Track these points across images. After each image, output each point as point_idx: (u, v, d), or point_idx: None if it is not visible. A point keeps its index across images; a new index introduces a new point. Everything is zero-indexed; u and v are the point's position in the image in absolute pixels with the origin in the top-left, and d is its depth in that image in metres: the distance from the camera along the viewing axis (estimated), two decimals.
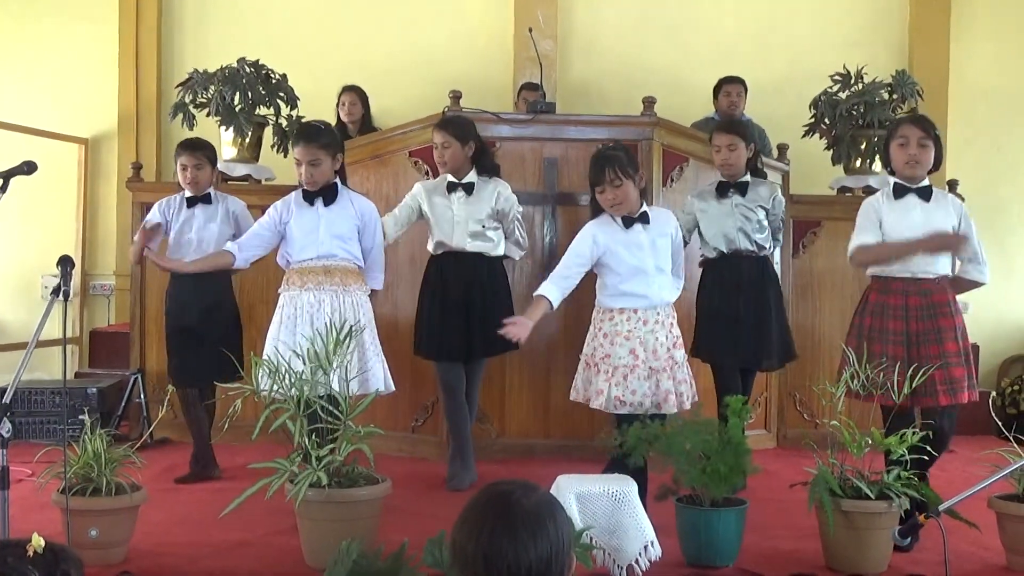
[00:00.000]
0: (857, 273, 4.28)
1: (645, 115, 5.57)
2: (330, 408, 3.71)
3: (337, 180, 4.49)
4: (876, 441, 3.78)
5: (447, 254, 4.87)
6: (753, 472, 3.90)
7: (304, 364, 3.81)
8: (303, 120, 5.96)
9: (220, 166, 6.00)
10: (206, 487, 4.88)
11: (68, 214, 7.44)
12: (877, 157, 6.26)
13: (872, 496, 3.67)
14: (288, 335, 4.29)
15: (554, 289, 4.22)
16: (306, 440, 3.66)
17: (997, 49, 7.29)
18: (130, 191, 6.25)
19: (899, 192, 4.09)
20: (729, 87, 6.74)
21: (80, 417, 4.04)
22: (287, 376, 3.75)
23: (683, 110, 6.53)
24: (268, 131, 6.36)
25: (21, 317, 7.25)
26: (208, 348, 4.81)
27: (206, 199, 5.08)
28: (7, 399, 3.05)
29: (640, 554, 3.50)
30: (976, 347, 5.40)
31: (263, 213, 4.58)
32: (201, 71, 6.23)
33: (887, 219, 4.08)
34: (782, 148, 6.10)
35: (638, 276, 4.18)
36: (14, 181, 3.44)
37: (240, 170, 6.23)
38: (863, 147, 6.28)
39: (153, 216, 5.09)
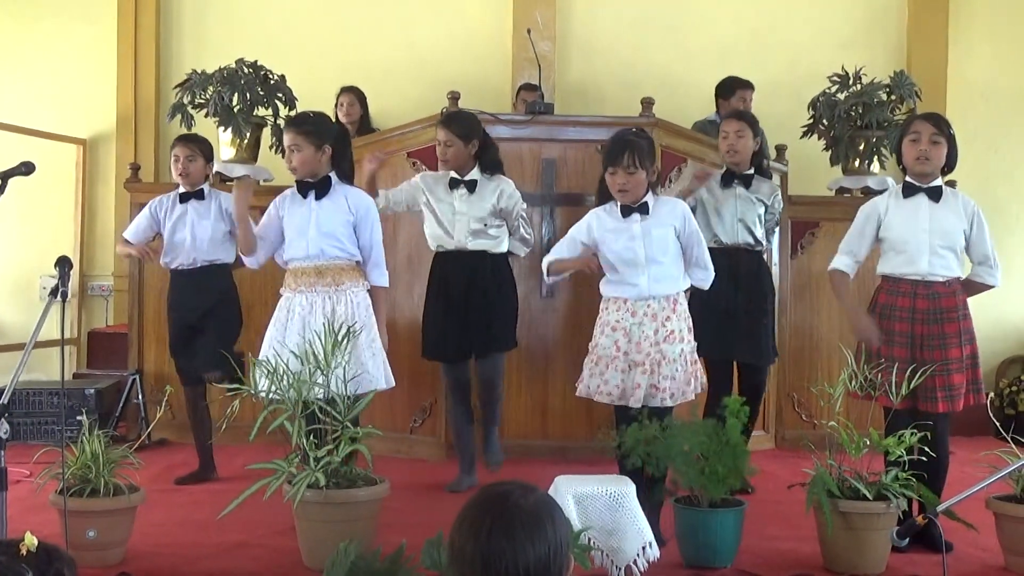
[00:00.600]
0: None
1: (643, 116, 5.57)
2: (328, 409, 3.71)
3: (332, 174, 4.36)
4: (874, 442, 3.79)
5: (448, 253, 4.86)
6: (751, 473, 3.91)
7: (303, 365, 3.81)
8: None
9: (218, 166, 6.01)
10: (204, 488, 4.88)
11: (66, 215, 7.43)
12: (876, 158, 6.28)
13: (870, 497, 3.68)
14: (279, 337, 4.25)
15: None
16: (304, 441, 3.66)
17: (995, 50, 7.29)
18: (128, 192, 6.25)
19: (908, 191, 4.08)
20: (744, 92, 6.58)
21: (78, 418, 4.05)
22: (284, 377, 3.75)
23: (681, 111, 6.51)
24: (266, 132, 6.35)
25: (19, 318, 7.24)
26: (212, 342, 4.82)
27: (199, 195, 5.05)
28: (5, 400, 3.04)
29: (638, 555, 3.50)
30: None
31: (262, 213, 4.53)
32: (199, 72, 6.23)
33: (892, 219, 4.05)
34: (780, 149, 6.10)
35: (628, 266, 4.14)
36: (12, 182, 3.43)
37: (238, 171, 6.22)
38: (861, 148, 6.26)
39: (138, 227, 5.07)
